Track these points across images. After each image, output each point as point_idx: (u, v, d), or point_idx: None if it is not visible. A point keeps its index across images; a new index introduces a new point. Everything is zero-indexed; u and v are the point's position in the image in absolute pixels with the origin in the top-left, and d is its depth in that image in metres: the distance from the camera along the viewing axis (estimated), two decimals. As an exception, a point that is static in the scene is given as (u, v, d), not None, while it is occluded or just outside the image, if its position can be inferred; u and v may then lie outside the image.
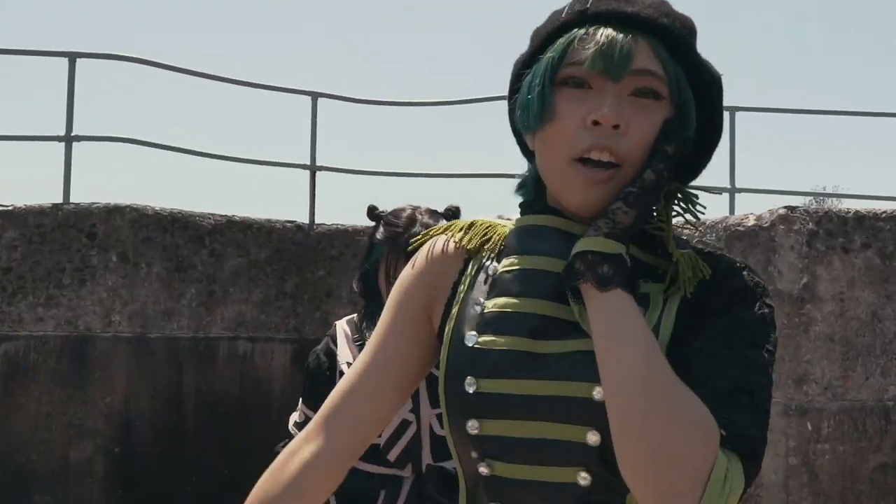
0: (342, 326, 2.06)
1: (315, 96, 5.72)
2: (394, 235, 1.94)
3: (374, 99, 5.97)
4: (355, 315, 2.09)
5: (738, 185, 6.39)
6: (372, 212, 2.05)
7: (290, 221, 5.61)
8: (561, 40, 0.96)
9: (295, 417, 2.08)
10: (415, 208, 2.01)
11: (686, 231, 5.24)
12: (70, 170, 5.01)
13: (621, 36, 0.92)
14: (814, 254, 4.56)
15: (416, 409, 1.92)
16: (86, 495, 4.82)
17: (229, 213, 5.38)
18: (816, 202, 19.16)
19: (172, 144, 5.32)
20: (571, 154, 0.93)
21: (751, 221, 5.03)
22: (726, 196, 6.35)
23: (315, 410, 1.88)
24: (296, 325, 5.52)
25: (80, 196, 5.05)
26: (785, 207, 4.60)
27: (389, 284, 1.89)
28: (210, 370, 5.26)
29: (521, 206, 1.06)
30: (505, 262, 1.00)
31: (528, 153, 1.05)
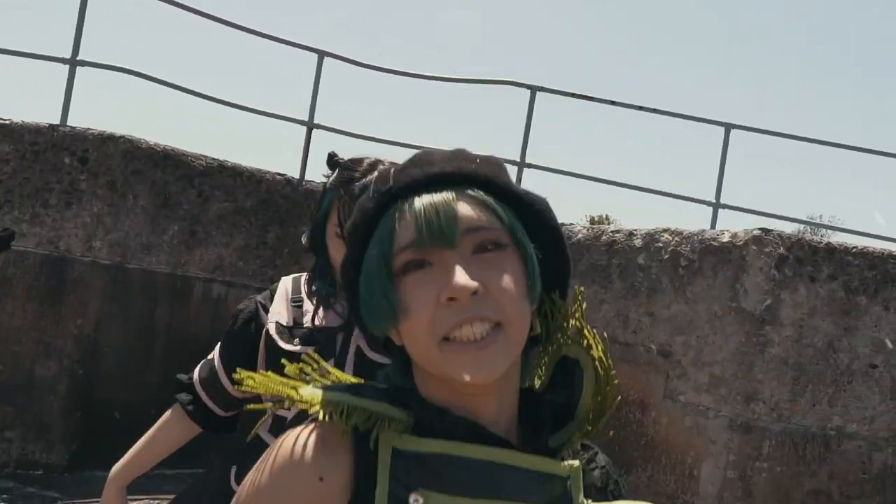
0: (285, 283, 1.88)
1: (322, 54, 5.79)
2: (348, 179, 1.71)
3: (381, 66, 6.04)
4: (306, 273, 1.88)
5: (723, 202, 6.50)
6: (331, 158, 1.78)
7: (280, 174, 5.71)
8: (379, 232, 0.89)
9: (212, 354, 2.00)
10: (378, 159, 1.75)
11: (663, 238, 5.35)
12: (71, 93, 5.07)
13: (438, 199, 0.87)
14: (781, 278, 4.69)
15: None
16: (46, 411, 4.95)
17: (221, 158, 5.47)
18: (811, 230, 19.29)
19: (174, 82, 5.38)
20: (437, 338, 0.85)
21: (725, 238, 5.14)
22: (710, 211, 6.47)
23: (225, 359, 1.95)
24: (272, 275, 5.63)
25: (77, 120, 5.12)
26: (760, 229, 4.72)
27: (339, 237, 1.73)
28: (183, 308, 5.37)
29: (397, 399, 0.90)
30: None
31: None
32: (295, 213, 5.68)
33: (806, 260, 4.58)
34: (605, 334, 4.54)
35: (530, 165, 6.20)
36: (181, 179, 5.31)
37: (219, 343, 1.99)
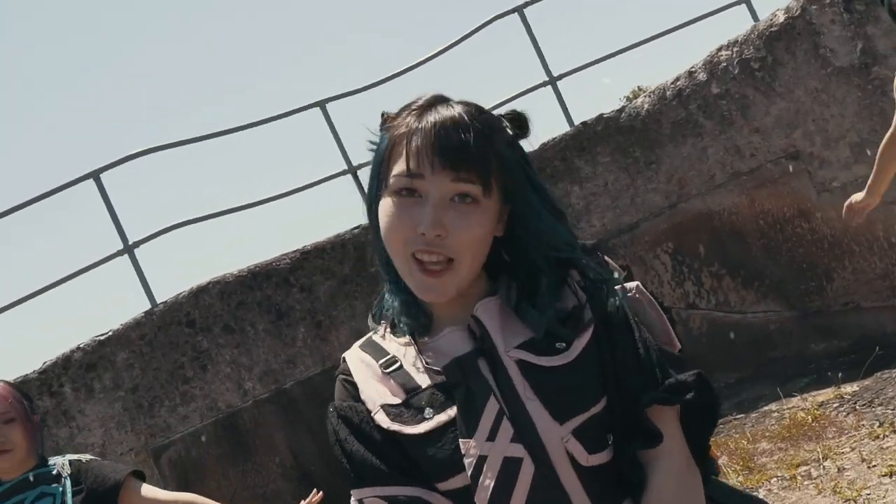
0: (354, 356, 1.26)
1: (322, 104, 5.81)
2: None
3: (383, 77, 6.01)
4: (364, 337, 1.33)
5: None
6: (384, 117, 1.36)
7: (355, 227, 5.72)
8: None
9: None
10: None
11: (723, 55, 5.19)
12: (143, 274, 5.19)
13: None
14: (856, 17, 4.51)
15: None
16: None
17: (299, 246, 5.52)
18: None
19: (217, 210, 5.47)
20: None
21: (781, 18, 4.98)
22: (744, 8, 6.27)
23: (366, 485, 1.18)
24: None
25: (162, 295, 5.24)
26: (807, -14, 4.56)
27: None
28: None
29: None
30: None
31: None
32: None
33: (870, -15, 4.39)
34: (730, 170, 4.37)
35: (561, 76, 6.10)
36: (280, 286, 5.37)
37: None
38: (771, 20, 5.01)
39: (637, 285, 1.72)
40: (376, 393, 1.15)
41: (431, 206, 1.10)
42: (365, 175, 1.38)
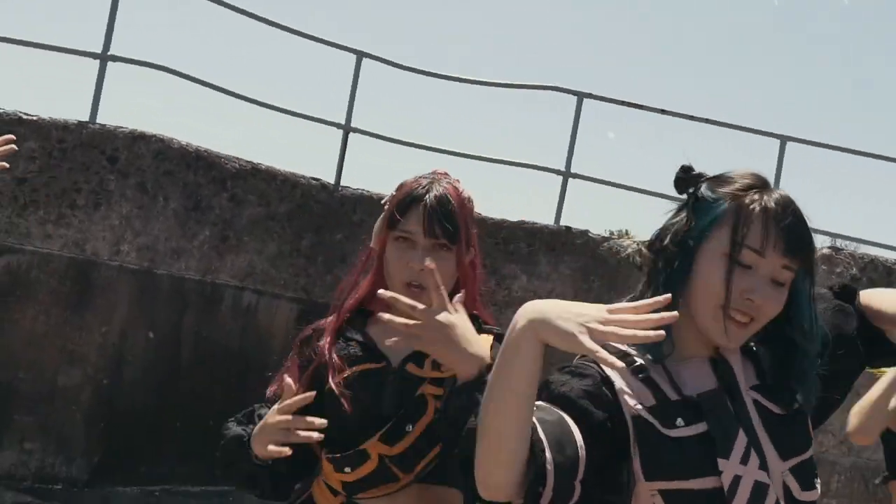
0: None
1: (360, 55, 5.71)
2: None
3: (421, 68, 5.94)
4: None
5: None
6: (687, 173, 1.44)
7: (315, 179, 5.61)
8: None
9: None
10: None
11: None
12: (101, 89, 5.00)
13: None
14: (850, 300, 4.56)
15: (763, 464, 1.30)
16: (69, 422, 4.85)
17: (255, 160, 5.38)
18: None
19: (208, 80, 5.31)
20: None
21: None
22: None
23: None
24: (305, 284, 5.53)
25: (107, 118, 5.04)
26: (829, 247, 4.58)
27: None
28: (213, 317, 5.27)
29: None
30: None
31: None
32: (331, 220, 5.58)
33: (880, 281, 4.43)
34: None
35: (576, 175, 6.08)
36: (213, 182, 5.22)
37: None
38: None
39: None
40: (623, 384, 1.27)
41: (764, 281, 1.28)
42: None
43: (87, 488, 4.87)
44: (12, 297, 4.79)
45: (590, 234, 5.64)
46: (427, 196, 1.69)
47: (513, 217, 5.65)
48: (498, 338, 1.62)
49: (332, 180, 5.67)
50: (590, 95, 6.05)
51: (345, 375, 1.69)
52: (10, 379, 4.75)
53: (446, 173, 1.79)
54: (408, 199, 1.70)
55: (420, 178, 1.76)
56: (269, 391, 1.78)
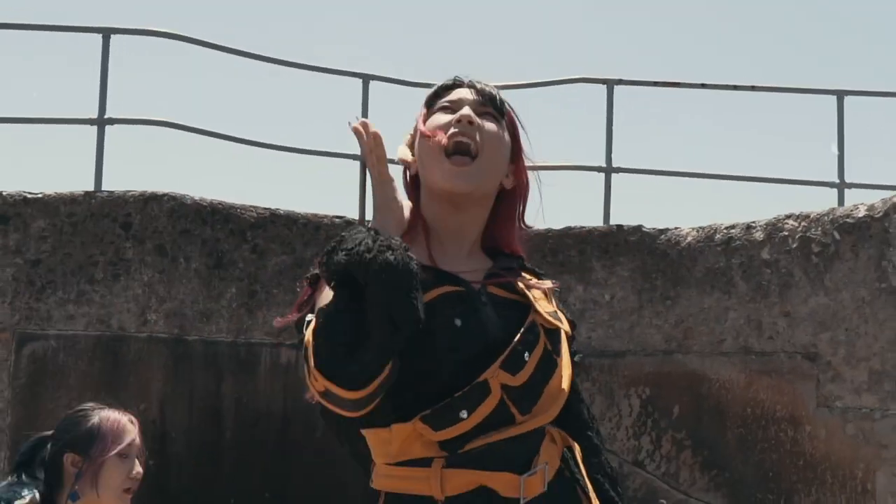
0: None
1: (366, 78, 5.62)
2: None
3: (429, 81, 5.80)
4: None
5: (847, 181, 6.05)
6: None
7: (338, 216, 5.45)
8: None
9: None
10: None
11: (788, 225, 4.95)
12: (102, 155, 4.98)
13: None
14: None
15: None
16: (115, 510, 4.70)
17: (273, 206, 5.25)
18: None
19: (212, 130, 5.24)
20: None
21: (861, 212, 4.84)
22: (834, 192, 6.04)
23: None
24: (346, 329, 5.34)
25: (113, 184, 5.01)
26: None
27: None
28: (250, 379, 5.10)
29: None
30: None
31: None
32: (362, 257, 5.42)
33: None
34: (742, 342, 4.11)
35: (619, 170, 5.85)
36: (233, 235, 5.10)
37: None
38: (850, 210, 4.81)
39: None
40: None
41: None
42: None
43: (144, 577, 4.69)
44: (41, 387, 4.71)
45: (643, 230, 5.40)
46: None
47: (557, 224, 5.45)
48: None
49: (355, 215, 5.50)
50: (620, 81, 5.83)
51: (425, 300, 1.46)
52: (49, 471, 4.63)
53: None
54: (448, 83, 1.75)
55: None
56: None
